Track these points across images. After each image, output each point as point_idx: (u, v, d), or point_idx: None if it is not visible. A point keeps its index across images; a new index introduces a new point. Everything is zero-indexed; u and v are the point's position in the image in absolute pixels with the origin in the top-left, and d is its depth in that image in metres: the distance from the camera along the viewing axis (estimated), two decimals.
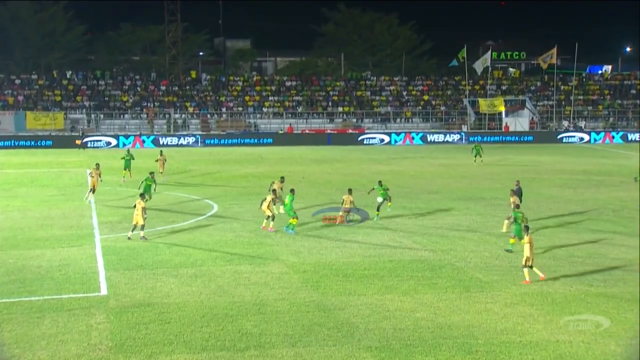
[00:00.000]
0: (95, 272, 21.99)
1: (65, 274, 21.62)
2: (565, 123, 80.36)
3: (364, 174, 46.18)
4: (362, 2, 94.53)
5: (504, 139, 73.96)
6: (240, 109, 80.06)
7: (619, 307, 18.88)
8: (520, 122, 79.78)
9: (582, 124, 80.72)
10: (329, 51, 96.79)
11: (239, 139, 70.64)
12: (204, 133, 73.34)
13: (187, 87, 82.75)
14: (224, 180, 43.67)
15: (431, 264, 23.26)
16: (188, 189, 39.27)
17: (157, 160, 43.72)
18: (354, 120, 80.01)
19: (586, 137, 75.39)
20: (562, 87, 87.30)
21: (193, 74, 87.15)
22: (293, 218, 27.54)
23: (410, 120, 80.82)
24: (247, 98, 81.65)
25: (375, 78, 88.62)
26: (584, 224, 29.98)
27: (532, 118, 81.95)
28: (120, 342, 16.28)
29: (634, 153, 57.21)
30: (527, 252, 20.88)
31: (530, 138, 74.89)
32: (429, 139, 73.20)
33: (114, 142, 67.41)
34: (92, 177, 35.02)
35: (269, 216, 27.65)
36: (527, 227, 21.93)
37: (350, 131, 75.83)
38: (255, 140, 70.62)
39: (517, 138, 74.55)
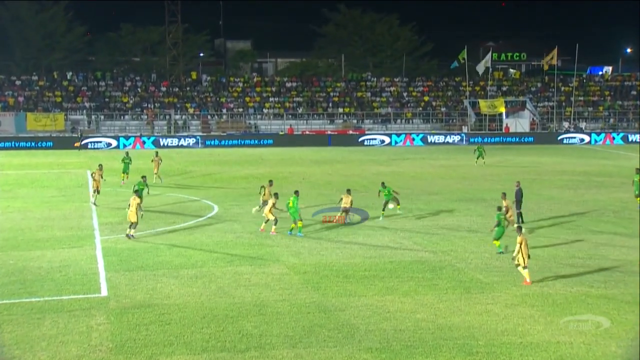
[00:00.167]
0: (96, 273, 21.99)
1: (66, 275, 21.63)
2: (566, 124, 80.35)
3: (364, 175, 46.18)
4: (363, 3, 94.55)
5: (504, 140, 73.92)
6: (241, 110, 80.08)
7: (619, 308, 18.87)
8: (520, 123, 79.83)
9: (582, 125, 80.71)
10: (329, 52, 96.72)
11: (239, 140, 70.68)
12: (205, 134, 73.35)
13: (188, 88, 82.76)
14: (224, 181, 43.66)
15: (432, 265, 23.25)
16: (188, 190, 39.29)
17: (152, 161, 43.75)
18: (355, 121, 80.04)
19: (587, 138, 75.35)
20: (563, 88, 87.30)
21: (193, 75, 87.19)
22: (299, 221, 27.47)
23: (410, 121, 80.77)
24: (247, 99, 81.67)
25: (375, 79, 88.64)
26: (584, 225, 29.95)
27: (533, 119, 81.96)
28: (120, 343, 16.29)
29: (634, 154, 57.16)
30: (517, 251, 20.87)
31: (531, 139, 74.87)
32: (429, 140, 73.19)
33: (114, 143, 67.37)
34: (95, 178, 34.76)
35: (269, 219, 27.59)
36: (520, 228, 21.89)
37: (350, 132, 75.85)
38: (256, 142, 70.63)
39: (517, 139, 74.53)
